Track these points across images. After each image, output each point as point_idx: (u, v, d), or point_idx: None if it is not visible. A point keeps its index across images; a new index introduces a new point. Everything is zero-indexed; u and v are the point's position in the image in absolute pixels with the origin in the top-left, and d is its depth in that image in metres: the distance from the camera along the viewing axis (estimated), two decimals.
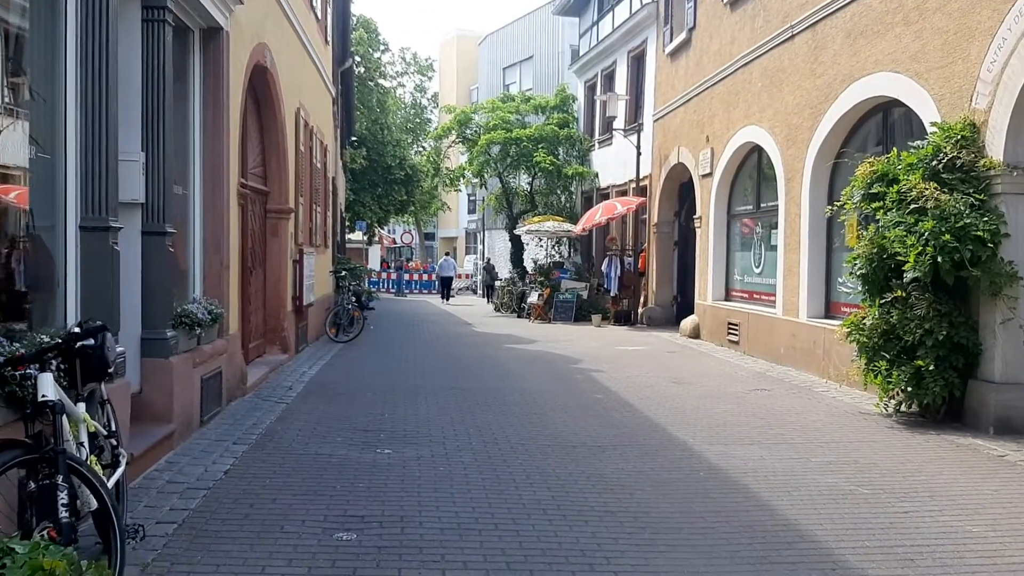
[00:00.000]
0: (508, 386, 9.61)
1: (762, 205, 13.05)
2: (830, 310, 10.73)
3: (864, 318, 7.91)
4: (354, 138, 35.49)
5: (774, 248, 12.34)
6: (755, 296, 13.12)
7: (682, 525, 4.72)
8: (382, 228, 47.16)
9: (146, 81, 5.95)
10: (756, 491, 5.39)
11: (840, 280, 10.50)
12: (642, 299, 18.68)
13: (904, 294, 7.48)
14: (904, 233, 7.42)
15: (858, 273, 7.95)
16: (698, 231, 15.33)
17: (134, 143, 5.86)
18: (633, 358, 12.45)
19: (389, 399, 8.50)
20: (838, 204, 8.57)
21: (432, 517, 4.74)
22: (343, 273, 14.87)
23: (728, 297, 14.27)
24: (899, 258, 7.46)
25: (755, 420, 7.74)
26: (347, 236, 31.70)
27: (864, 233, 7.91)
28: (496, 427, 7.22)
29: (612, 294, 18.84)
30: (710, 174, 14.54)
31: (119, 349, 4.51)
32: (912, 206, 7.40)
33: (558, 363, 11.81)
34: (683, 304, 17.98)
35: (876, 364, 7.73)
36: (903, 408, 7.81)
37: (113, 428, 4.11)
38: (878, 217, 7.84)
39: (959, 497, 5.37)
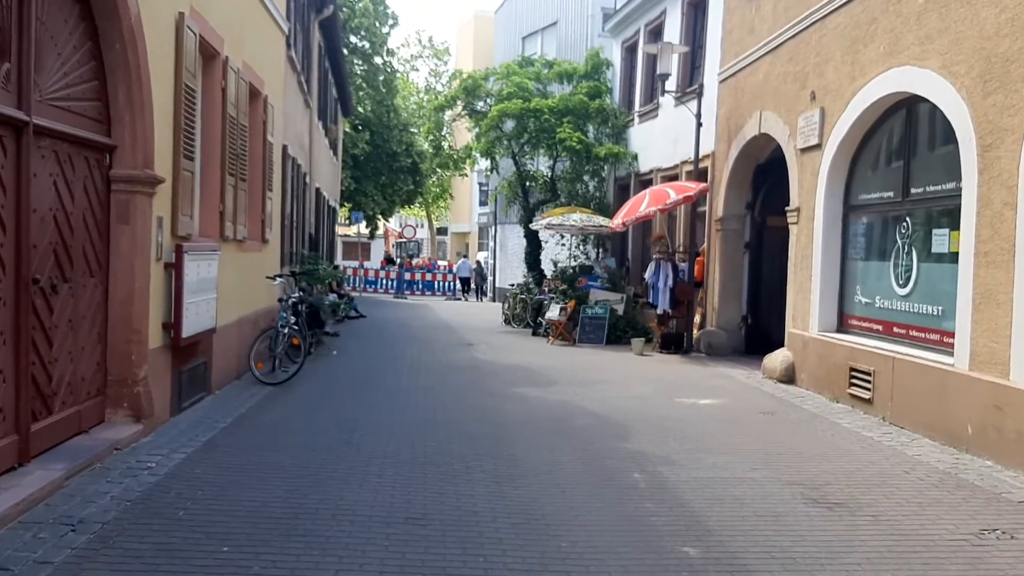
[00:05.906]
0: (512, 508, 5.15)
1: (913, 190, 8.50)
2: None
3: None
4: (357, 121, 31.22)
5: (937, 257, 7.84)
6: (898, 330, 8.58)
7: None
8: (387, 220, 42.76)
9: None
10: None
11: None
12: (697, 318, 14.13)
13: None
14: None
15: None
16: (792, 229, 10.78)
17: None
18: (713, 427, 7.94)
19: (255, 570, 4.07)
20: None
21: None
22: (278, 280, 10.34)
23: (844, 327, 9.71)
24: None
25: None
26: (336, 230, 27.40)
27: None
28: None
29: (660, 311, 14.21)
30: (817, 146, 9.99)
31: None
32: None
33: (597, 438, 7.31)
34: (755, 328, 13.45)
35: None
36: None
37: None
38: None
39: None
